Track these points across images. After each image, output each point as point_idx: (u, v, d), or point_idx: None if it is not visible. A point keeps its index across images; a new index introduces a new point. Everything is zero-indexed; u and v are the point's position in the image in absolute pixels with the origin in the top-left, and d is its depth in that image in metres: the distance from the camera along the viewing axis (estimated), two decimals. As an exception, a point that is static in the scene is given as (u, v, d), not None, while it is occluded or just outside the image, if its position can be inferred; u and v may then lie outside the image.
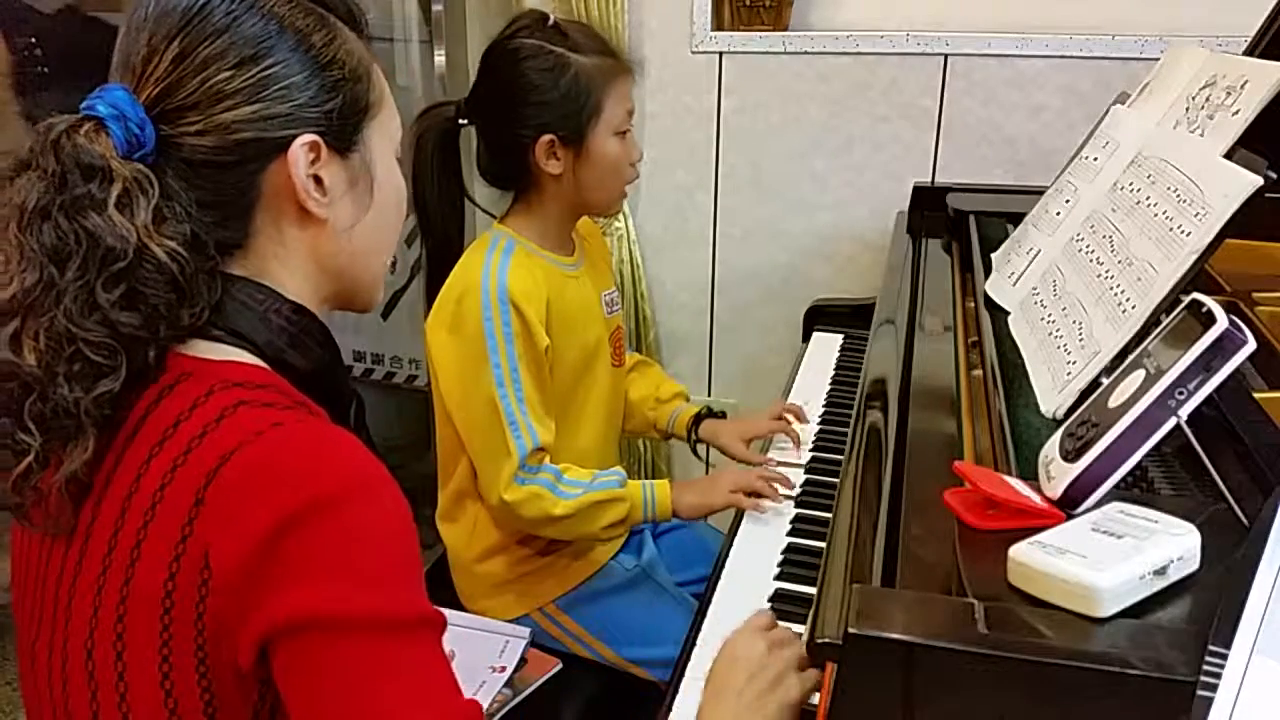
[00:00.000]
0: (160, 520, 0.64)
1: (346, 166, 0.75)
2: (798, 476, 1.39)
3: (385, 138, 0.79)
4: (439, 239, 1.37)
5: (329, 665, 0.61)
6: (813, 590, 1.06)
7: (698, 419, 1.57)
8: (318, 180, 0.72)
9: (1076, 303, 1.04)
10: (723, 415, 1.58)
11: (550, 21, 1.31)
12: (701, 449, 1.57)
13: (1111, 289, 0.98)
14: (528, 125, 1.29)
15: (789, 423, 1.49)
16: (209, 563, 0.62)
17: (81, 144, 0.65)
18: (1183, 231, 0.90)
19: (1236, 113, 0.96)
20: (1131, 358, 0.79)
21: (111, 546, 0.66)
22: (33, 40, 2.13)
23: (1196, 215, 0.89)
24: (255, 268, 0.73)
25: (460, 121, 1.35)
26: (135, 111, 0.67)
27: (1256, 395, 0.85)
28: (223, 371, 0.69)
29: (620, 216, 2.14)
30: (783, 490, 1.33)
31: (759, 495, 1.32)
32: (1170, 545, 0.65)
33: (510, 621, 1.38)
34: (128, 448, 0.67)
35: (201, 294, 0.68)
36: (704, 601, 1.16)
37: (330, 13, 0.75)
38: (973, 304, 1.33)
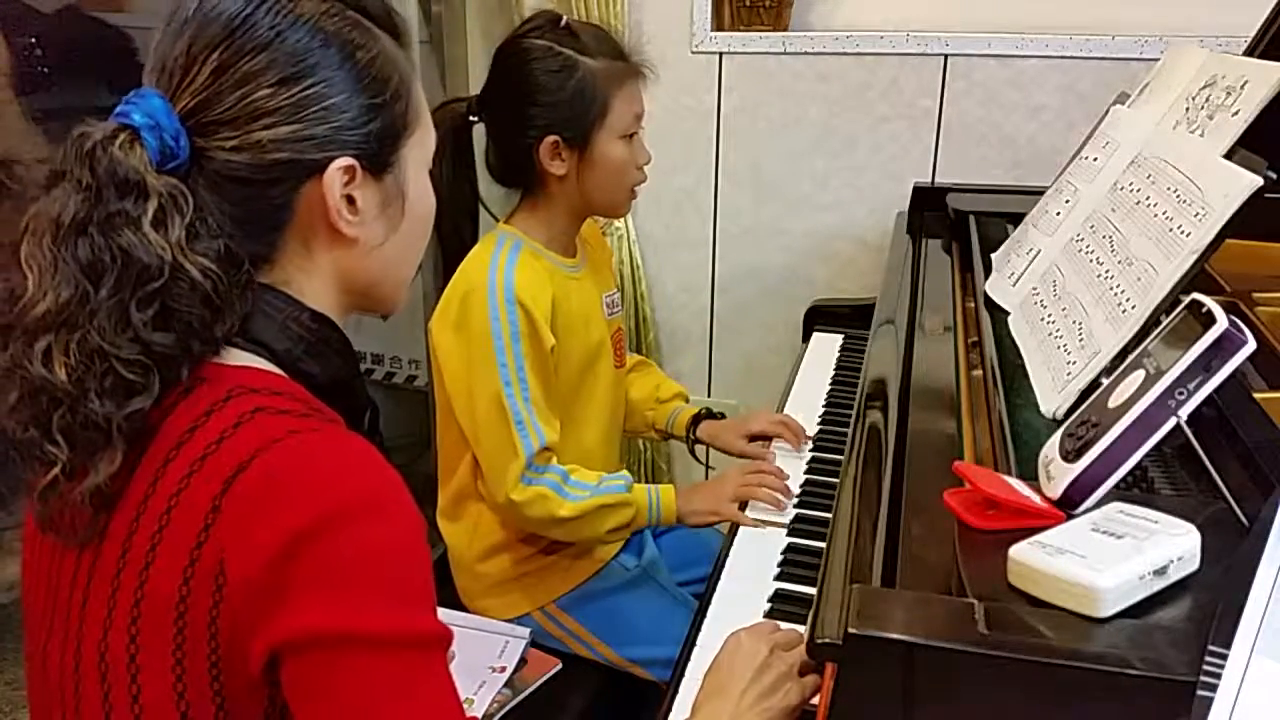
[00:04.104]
0: (176, 525, 0.64)
1: (380, 188, 0.74)
2: (793, 485, 1.38)
3: (420, 155, 0.77)
4: (451, 234, 1.36)
5: (336, 681, 0.61)
6: (813, 590, 1.06)
7: (696, 420, 1.57)
8: (350, 200, 0.71)
9: (1076, 303, 1.04)
10: (721, 417, 1.58)
11: (563, 22, 1.31)
12: (700, 450, 1.57)
13: (1111, 289, 0.98)
14: (533, 125, 1.29)
15: (787, 424, 1.49)
16: (224, 570, 0.62)
17: (117, 156, 0.64)
18: (1183, 231, 0.90)
19: (1236, 113, 0.96)
20: (1131, 358, 0.79)
21: (126, 549, 0.66)
22: (33, 40, 2.12)
23: (1196, 215, 0.89)
24: (279, 277, 0.72)
25: (471, 118, 1.35)
26: (171, 122, 0.66)
27: (1256, 395, 0.85)
28: (239, 377, 0.68)
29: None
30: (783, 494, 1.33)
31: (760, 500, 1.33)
32: (1170, 545, 0.65)
33: (511, 621, 1.38)
34: (144, 452, 0.67)
35: (234, 308, 0.68)
36: (704, 601, 1.16)
37: (374, 24, 0.73)
38: (973, 304, 1.33)
